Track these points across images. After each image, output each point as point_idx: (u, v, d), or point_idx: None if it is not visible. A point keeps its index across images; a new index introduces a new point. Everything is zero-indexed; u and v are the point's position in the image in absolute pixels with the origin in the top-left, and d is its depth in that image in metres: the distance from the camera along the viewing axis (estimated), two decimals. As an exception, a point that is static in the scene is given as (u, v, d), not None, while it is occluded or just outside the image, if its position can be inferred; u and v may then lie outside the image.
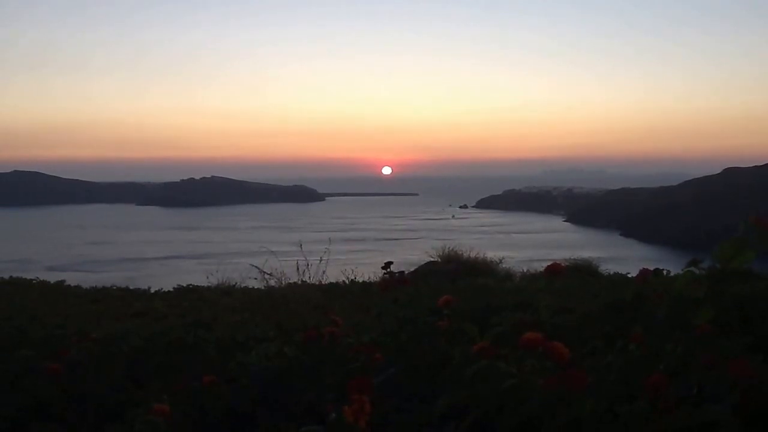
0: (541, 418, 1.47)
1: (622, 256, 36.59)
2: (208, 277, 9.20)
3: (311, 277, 8.14)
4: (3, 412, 1.98)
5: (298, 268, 8.06)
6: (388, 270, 2.21)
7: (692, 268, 1.63)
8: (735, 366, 1.52)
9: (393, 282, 2.19)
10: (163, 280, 12.63)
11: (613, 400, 1.54)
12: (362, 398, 1.38)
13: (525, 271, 10.82)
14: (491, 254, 12.45)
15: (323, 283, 8.45)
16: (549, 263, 2.27)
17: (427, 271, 10.84)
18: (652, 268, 2.16)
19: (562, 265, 2.21)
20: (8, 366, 2.16)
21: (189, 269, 41.25)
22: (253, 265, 8.22)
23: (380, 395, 1.57)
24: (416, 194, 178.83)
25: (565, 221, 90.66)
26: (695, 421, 1.40)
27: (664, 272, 2.17)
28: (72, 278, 10.88)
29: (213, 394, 1.96)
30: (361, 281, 9.55)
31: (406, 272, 2.34)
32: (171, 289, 9.36)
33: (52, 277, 11.92)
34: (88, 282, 11.38)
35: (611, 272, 7.61)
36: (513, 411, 1.47)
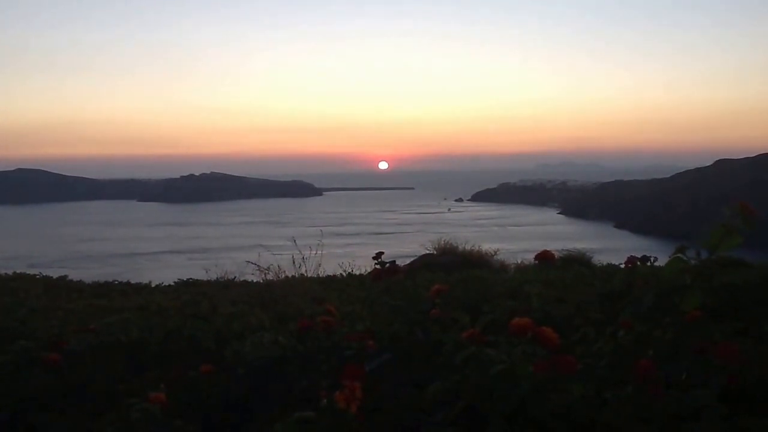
0: (530, 402, 1.49)
1: (616, 247, 36.69)
2: (207, 272, 9.21)
3: (308, 270, 8.15)
4: (2, 402, 1.99)
5: (294, 262, 8.07)
6: (380, 260, 2.22)
7: (679, 255, 1.65)
8: (722, 350, 1.55)
9: (384, 272, 2.20)
10: (153, 275, 12.58)
11: (602, 385, 1.57)
12: (354, 385, 1.40)
13: (519, 262, 10.84)
14: (486, 246, 12.45)
15: (320, 276, 8.47)
16: (541, 253, 2.29)
17: (422, 263, 10.84)
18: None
19: (553, 252, 2.23)
20: (8, 357, 2.17)
21: (180, 264, 41.23)
22: (249, 262, 8.21)
23: (373, 382, 1.59)
24: (412, 188, 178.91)
25: (559, 213, 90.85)
26: (682, 406, 1.43)
27: (652, 259, 2.19)
28: (57, 275, 10.77)
29: (209, 382, 1.98)
30: (357, 273, 9.57)
31: (402, 264, 2.35)
32: (172, 283, 9.35)
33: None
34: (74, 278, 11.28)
35: (604, 263, 7.64)
36: (502, 396, 1.50)
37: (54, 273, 10.67)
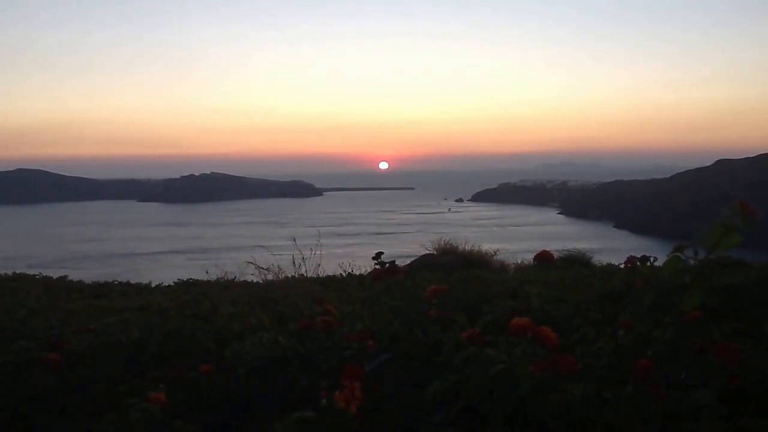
0: (530, 402, 1.49)
1: (616, 248, 36.75)
2: (207, 272, 9.22)
3: (307, 270, 8.17)
4: (2, 402, 1.99)
5: (294, 262, 8.08)
6: (379, 260, 2.22)
7: (678, 254, 1.65)
8: (722, 350, 1.55)
9: (384, 272, 2.20)
10: (153, 275, 12.58)
11: (602, 385, 1.57)
12: (354, 384, 1.40)
13: (519, 262, 10.84)
14: (486, 246, 12.44)
15: (320, 276, 8.47)
16: (541, 253, 2.29)
17: (422, 263, 10.84)
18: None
19: (552, 252, 2.23)
20: (8, 357, 2.17)
21: (180, 264, 41.27)
22: (249, 262, 8.22)
23: (373, 382, 1.59)
24: (412, 188, 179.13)
25: (559, 214, 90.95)
26: (682, 406, 1.43)
27: (652, 259, 2.19)
28: (57, 275, 10.76)
29: (209, 382, 1.98)
30: (357, 274, 9.56)
31: (402, 264, 2.35)
32: (172, 284, 9.37)
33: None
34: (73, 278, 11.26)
35: (604, 263, 7.64)
36: (502, 396, 1.50)
37: (54, 273, 10.64)
